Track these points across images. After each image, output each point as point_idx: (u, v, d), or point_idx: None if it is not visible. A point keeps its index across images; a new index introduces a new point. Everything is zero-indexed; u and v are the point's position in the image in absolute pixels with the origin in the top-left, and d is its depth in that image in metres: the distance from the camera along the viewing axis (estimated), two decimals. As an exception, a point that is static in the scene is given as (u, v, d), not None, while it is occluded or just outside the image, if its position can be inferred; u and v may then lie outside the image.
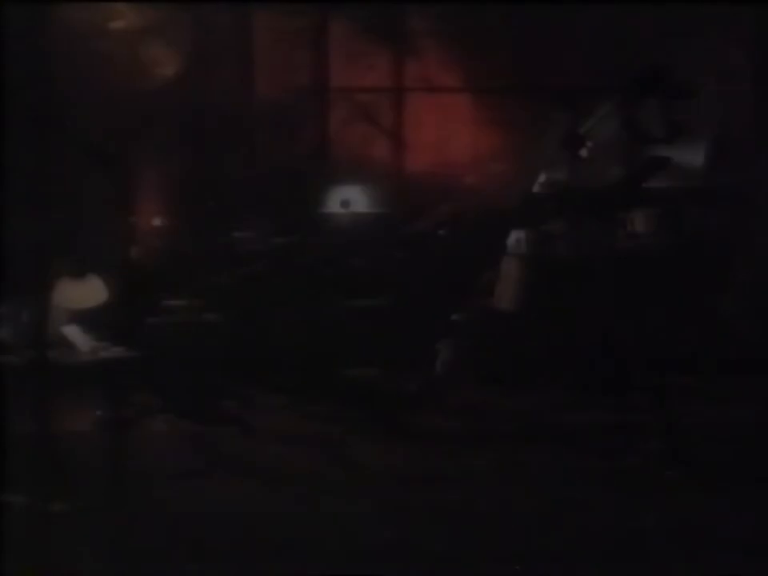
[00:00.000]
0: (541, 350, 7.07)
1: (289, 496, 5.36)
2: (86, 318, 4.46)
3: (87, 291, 4.64)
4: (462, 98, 9.33)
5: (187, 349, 7.18)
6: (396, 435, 6.62)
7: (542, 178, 7.59)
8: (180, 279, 7.72)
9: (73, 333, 4.25)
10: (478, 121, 9.31)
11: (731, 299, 7.05)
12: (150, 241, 8.38)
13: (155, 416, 6.92)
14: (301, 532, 4.82)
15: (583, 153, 7.14)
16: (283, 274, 7.85)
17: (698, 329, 6.88)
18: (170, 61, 8.88)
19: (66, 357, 4.12)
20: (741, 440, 6.35)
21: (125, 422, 4.48)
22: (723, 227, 7.78)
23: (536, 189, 7.57)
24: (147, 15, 8.80)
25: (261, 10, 9.29)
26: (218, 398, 7.28)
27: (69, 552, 3.80)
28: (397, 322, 7.43)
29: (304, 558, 4.48)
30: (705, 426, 6.65)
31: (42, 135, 3.01)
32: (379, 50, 9.34)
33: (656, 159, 6.47)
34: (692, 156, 8.41)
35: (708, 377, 7.36)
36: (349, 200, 8.62)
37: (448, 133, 9.31)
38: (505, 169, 8.76)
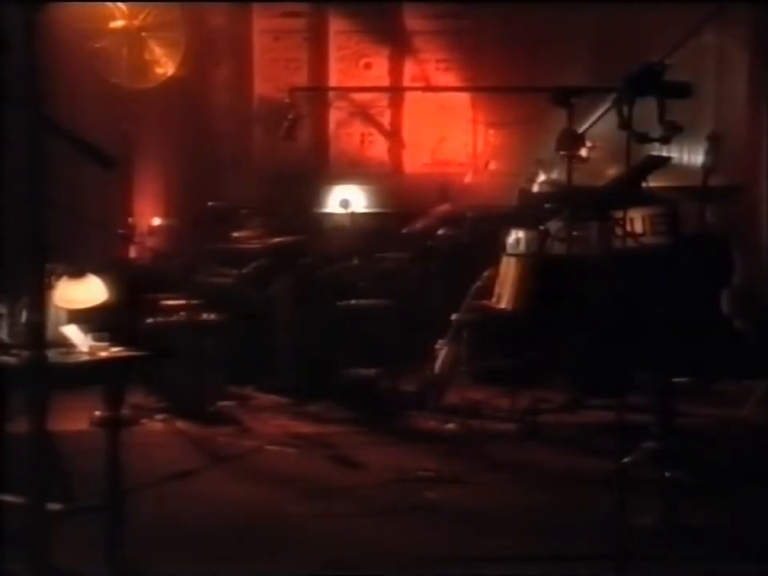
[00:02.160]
0: (540, 349, 7.07)
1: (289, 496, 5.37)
2: (86, 318, 4.45)
3: (87, 291, 4.63)
4: (461, 97, 9.34)
5: (187, 348, 7.18)
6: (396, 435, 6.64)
7: (541, 177, 7.59)
8: (180, 279, 7.71)
9: (72, 333, 4.24)
10: (478, 120, 9.32)
11: (731, 299, 7.05)
12: (150, 240, 8.38)
13: (155, 416, 6.96)
14: (301, 532, 4.83)
15: (582, 152, 7.14)
16: (280, 274, 7.85)
17: (698, 329, 6.87)
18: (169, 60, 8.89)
19: (65, 357, 4.10)
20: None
21: (124, 421, 4.46)
22: (723, 227, 7.78)
23: (535, 188, 7.56)
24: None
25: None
26: (218, 397, 7.27)
27: (68, 552, 3.80)
28: (397, 322, 7.43)
29: (304, 558, 4.48)
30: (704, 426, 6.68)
31: (40, 135, 3.00)
32: (378, 49, 9.35)
33: (655, 158, 6.46)
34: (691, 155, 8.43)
35: (710, 377, 7.38)
36: (348, 200, 8.62)
37: (447, 132, 9.31)
38: (504, 168, 8.76)
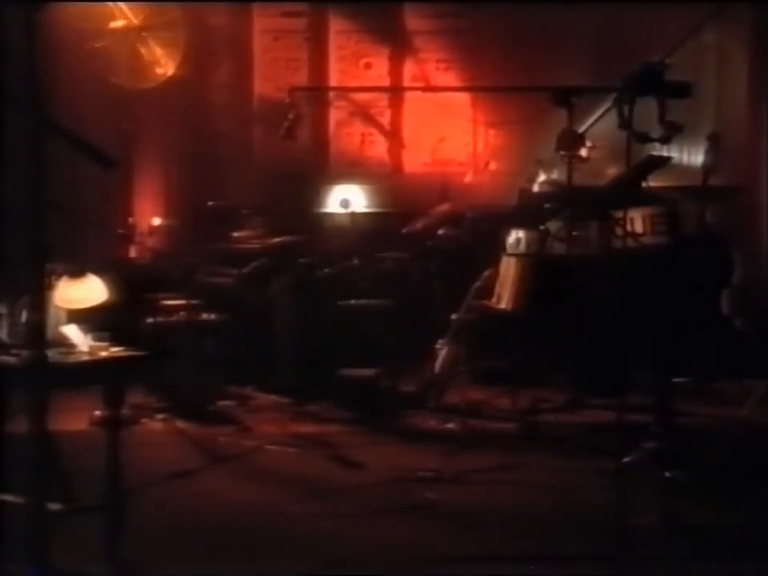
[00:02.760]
0: (540, 349, 7.06)
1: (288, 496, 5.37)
2: (86, 318, 4.45)
3: (87, 291, 4.63)
4: (461, 97, 9.34)
5: (187, 348, 7.18)
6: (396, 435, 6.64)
7: (541, 177, 7.59)
8: (180, 279, 7.71)
9: (72, 333, 4.24)
10: (478, 120, 9.31)
11: (731, 299, 7.05)
12: (150, 240, 8.38)
13: (155, 416, 6.96)
14: (301, 532, 4.83)
15: (582, 152, 7.14)
16: (280, 274, 7.85)
17: (698, 329, 6.87)
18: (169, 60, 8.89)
19: (65, 356, 4.11)
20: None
21: (124, 421, 4.47)
22: (723, 227, 7.78)
23: (535, 188, 7.56)
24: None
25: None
26: (218, 397, 7.27)
27: (68, 552, 3.80)
28: (397, 322, 7.43)
29: (304, 558, 4.48)
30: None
31: (40, 135, 3.00)
32: (378, 49, 9.35)
33: (655, 158, 6.46)
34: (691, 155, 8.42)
35: (710, 377, 7.37)
36: (348, 200, 8.62)
37: (447, 132, 9.31)
38: (504, 168, 8.76)
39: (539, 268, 6.84)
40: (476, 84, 9.20)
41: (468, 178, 8.99)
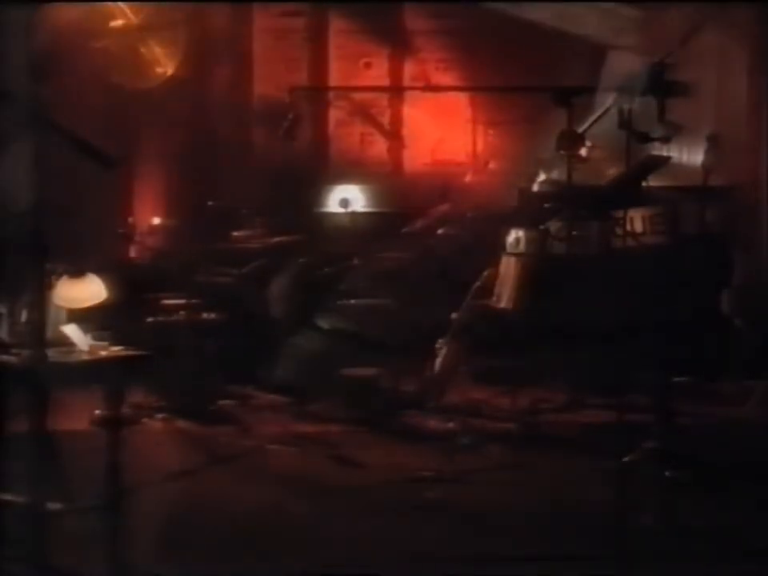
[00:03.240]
0: (540, 349, 7.06)
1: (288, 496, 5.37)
2: (86, 318, 4.45)
3: (87, 291, 4.64)
4: (461, 97, 9.34)
5: (187, 348, 7.18)
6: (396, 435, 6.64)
7: (541, 177, 7.60)
8: (180, 279, 7.71)
9: (72, 332, 4.24)
10: (477, 120, 9.31)
11: (731, 299, 7.05)
12: (150, 240, 8.38)
13: (155, 415, 6.96)
14: (300, 532, 4.83)
15: (582, 152, 7.14)
16: (280, 274, 7.85)
17: (698, 329, 6.88)
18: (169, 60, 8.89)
19: (66, 356, 4.11)
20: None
21: (124, 421, 4.47)
22: (723, 227, 7.78)
23: (535, 188, 7.56)
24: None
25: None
26: (218, 397, 7.27)
27: (68, 552, 3.80)
28: (397, 322, 7.43)
29: (304, 558, 4.48)
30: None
31: (40, 135, 3.00)
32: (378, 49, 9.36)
33: (655, 158, 6.46)
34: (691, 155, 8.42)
35: (710, 377, 7.37)
36: (348, 200, 8.62)
37: (447, 132, 9.31)
38: (504, 168, 8.76)
39: (539, 268, 6.85)
40: (476, 84, 9.20)
41: (468, 178, 8.99)
